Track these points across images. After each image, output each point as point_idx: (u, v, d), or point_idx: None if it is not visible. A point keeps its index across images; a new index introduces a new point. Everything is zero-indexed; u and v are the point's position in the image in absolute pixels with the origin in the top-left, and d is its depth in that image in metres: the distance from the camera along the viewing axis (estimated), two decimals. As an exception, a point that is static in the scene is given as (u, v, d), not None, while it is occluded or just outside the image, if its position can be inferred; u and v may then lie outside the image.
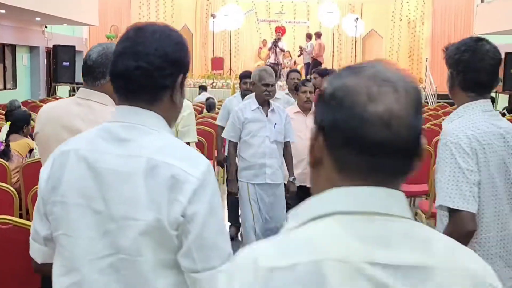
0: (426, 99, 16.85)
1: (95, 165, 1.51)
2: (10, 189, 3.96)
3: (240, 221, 5.35)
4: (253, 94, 5.04)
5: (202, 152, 6.67)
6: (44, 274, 1.83)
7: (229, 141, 5.03)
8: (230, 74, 19.37)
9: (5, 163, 4.80)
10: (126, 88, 1.55)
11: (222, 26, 19.86)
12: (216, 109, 10.21)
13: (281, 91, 7.59)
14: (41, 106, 4.13)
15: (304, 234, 0.97)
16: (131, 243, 1.46)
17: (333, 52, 19.65)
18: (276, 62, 19.30)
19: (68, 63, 16.34)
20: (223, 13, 19.83)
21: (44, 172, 1.62)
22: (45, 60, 17.68)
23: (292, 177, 5.00)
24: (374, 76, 0.99)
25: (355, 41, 20.22)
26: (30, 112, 6.24)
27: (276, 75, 5.05)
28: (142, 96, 1.54)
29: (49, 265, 1.63)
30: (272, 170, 4.85)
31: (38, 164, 3.72)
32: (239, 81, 6.99)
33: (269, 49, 19.85)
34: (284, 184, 5.01)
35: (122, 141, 1.52)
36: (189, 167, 1.47)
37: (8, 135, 5.30)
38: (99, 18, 17.98)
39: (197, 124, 8.24)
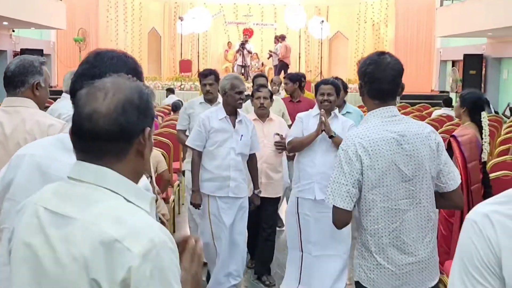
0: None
1: (47, 171, 1.74)
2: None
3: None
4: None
5: (169, 155, 6.77)
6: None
7: (194, 149, 4.76)
8: (198, 76, 19.47)
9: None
10: None
11: (190, 28, 19.95)
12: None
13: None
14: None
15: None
16: None
17: (299, 54, 19.98)
18: (243, 64, 19.59)
19: (36, 66, 16.30)
20: (191, 15, 19.90)
21: (1, 172, 1.88)
22: (13, 64, 17.59)
23: (258, 190, 4.91)
24: None
25: (321, 43, 20.62)
26: None
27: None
28: None
29: None
30: (236, 183, 4.66)
31: None
32: (199, 81, 6.11)
33: (237, 51, 20.06)
34: (248, 197, 4.86)
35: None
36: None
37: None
38: (66, 22, 17.98)
39: (163, 126, 8.51)
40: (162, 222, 5.46)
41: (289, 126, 5.56)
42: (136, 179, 1.45)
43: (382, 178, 2.61)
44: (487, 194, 3.95)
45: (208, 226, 4.70)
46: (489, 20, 13.30)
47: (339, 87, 4.65)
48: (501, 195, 1.38)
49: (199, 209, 4.76)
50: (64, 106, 3.92)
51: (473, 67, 16.59)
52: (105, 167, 1.37)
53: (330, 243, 4.49)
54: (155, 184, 5.25)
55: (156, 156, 5.68)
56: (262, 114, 5.29)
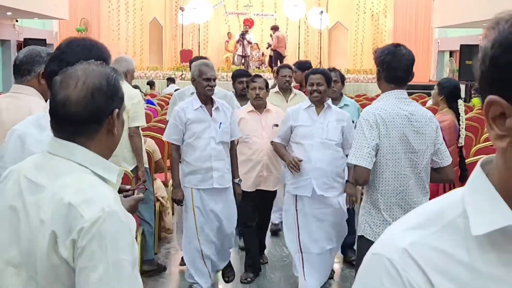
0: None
1: (23, 144, 2.13)
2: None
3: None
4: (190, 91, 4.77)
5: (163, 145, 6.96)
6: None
7: (171, 144, 4.61)
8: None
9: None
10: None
11: (191, 19, 20.12)
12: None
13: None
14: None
15: None
16: None
17: (299, 44, 20.16)
18: (244, 54, 19.77)
19: (38, 56, 16.52)
20: (192, 6, 20.06)
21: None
22: (16, 53, 17.78)
23: (238, 179, 4.71)
24: None
25: (321, 34, 20.81)
26: None
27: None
28: None
29: None
30: (219, 173, 4.51)
31: None
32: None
33: (237, 42, 20.22)
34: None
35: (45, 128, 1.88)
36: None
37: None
38: (69, 12, 18.21)
39: (163, 114, 8.73)
40: (161, 204, 5.75)
41: None
42: (109, 154, 1.66)
43: (395, 146, 3.15)
44: (463, 177, 4.21)
45: (192, 219, 4.55)
46: (485, 11, 13.47)
47: (329, 76, 4.51)
48: (419, 214, 0.98)
49: (181, 205, 4.63)
50: None
51: (469, 57, 16.74)
52: (76, 144, 1.58)
53: (330, 239, 4.52)
54: (153, 173, 5.48)
55: (151, 146, 5.83)
56: (259, 105, 5.01)
